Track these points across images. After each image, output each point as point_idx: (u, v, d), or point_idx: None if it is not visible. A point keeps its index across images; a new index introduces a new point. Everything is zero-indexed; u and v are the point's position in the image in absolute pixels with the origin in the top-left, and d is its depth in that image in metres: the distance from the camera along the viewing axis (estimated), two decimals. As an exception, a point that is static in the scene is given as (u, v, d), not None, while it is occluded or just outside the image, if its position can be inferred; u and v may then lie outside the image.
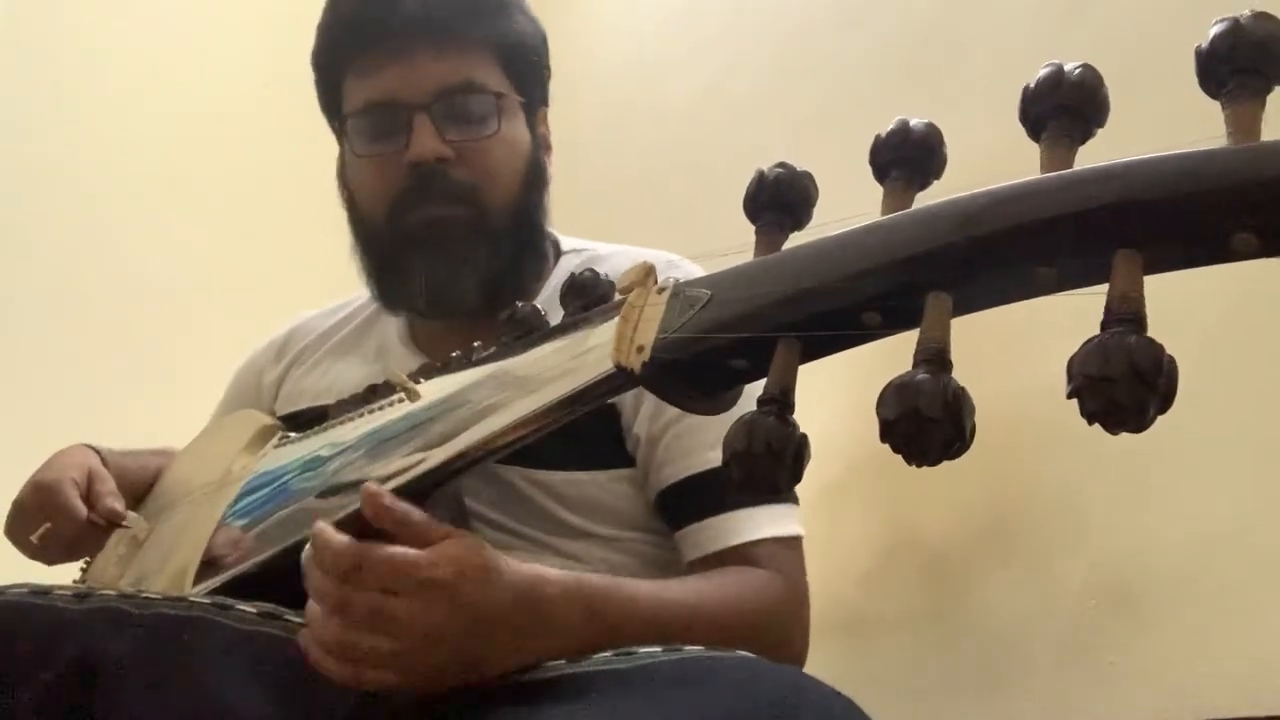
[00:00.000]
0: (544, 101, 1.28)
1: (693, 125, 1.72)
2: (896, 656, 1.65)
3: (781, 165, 0.72)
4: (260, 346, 1.38)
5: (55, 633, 0.80)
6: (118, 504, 1.10)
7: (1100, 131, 0.62)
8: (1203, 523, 1.51)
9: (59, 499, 1.10)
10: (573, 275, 0.84)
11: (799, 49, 1.95)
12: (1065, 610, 1.60)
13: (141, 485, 1.25)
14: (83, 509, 1.10)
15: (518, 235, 1.19)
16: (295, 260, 2.09)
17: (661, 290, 0.73)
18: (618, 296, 0.78)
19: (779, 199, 0.71)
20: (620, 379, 0.73)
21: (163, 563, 1.06)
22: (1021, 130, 1.66)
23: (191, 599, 0.84)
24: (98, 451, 1.22)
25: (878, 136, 0.67)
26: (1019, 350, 1.54)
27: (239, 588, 0.92)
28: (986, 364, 1.58)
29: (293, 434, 1.10)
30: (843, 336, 0.65)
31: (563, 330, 0.82)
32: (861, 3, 1.87)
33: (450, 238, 1.15)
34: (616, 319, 0.74)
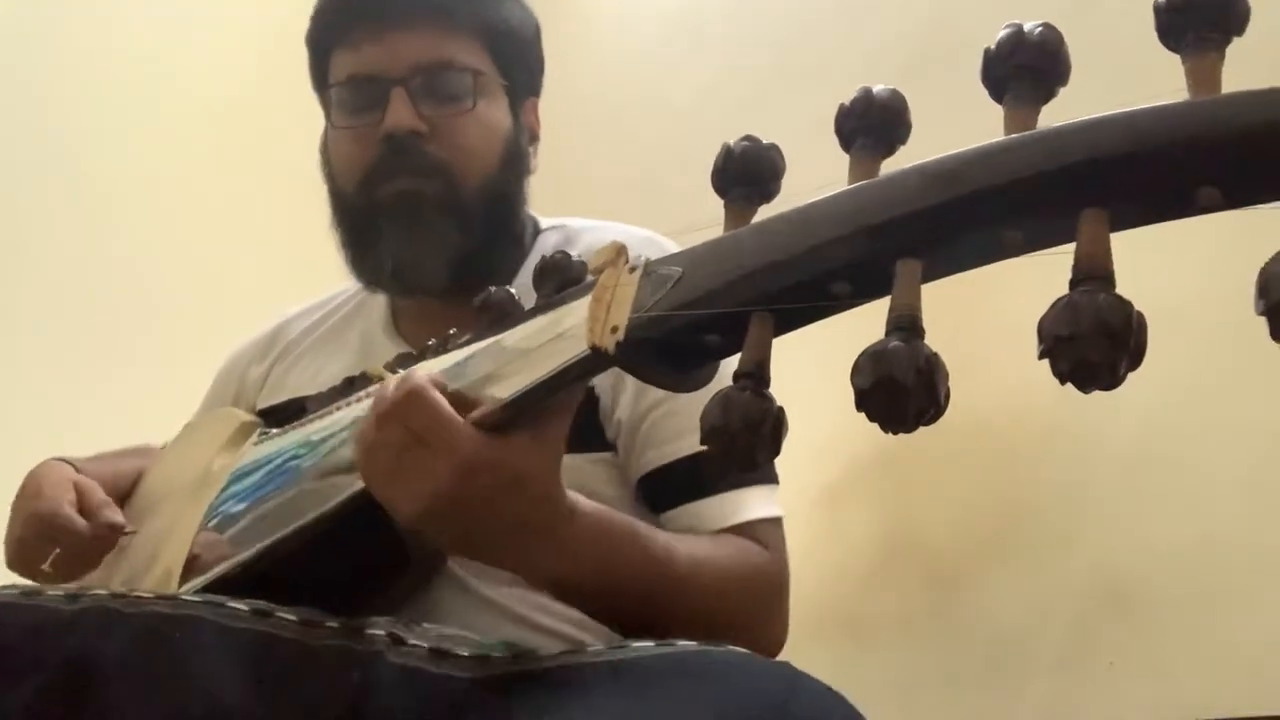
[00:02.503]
0: (534, 91, 1.29)
1: (693, 124, 1.73)
2: (896, 656, 1.64)
3: (747, 138, 0.71)
4: (245, 343, 1.38)
5: (46, 633, 0.79)
6: (115, 514, 1.10)
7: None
8: (1202, 523, 1.51)
9: (60, 523, 1.09)
10: (544, 258, 0.84)
11: (799, 49, 1.96)
12: (1065, 610, 1.59)
13: (121, 490, 1.24)
14: (84, 525, 1.09)
15: (490, 216, 1.19)
16: (293, 255, 2.08)
17: (633, 269, 0.73)
18: (590, 277, 0.78)
19: (746, 172, 0.71)
20: (595, 360, 0.72)
21: (148, 565, 1.05)
22: None
23: (183, 597, 0.83)
24: (72, 464, 1.20)
25: (842, 105, 0.66)
26: (1019, 351, 1.54)
27: (230, 584, 0.91)
28: (987, 365, 1.58)
29: (272, 430, 1.09)
30: (814, 308, 0.64)
31: (537, 313, 0.81)
32: (861, 3, 1.88)
33: (420, 212, 1.16)
34: (589, 300, 0.74)
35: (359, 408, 0.95)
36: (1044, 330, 0.54)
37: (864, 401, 0.58)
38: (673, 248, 1.20)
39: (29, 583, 0.87)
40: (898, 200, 0.60)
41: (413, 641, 0.82)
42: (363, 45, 1.19)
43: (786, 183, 1.98)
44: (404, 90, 1.16)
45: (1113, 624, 1.56)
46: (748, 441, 0.63)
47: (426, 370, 0.85)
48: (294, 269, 1.91)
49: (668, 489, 1.11)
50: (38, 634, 0.79)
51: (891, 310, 0.59)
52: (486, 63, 1.21)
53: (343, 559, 0.91)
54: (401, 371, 0.89)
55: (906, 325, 0.59)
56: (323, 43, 1.24)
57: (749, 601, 1.03)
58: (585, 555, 0.87)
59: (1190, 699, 1.44)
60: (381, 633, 0.82)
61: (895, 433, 0.59)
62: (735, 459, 0.64)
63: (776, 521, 1.11)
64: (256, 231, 2.27)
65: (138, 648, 0.78)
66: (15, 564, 1.15)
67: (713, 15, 2.18)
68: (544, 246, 1.24)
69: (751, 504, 1.08)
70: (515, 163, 1.23)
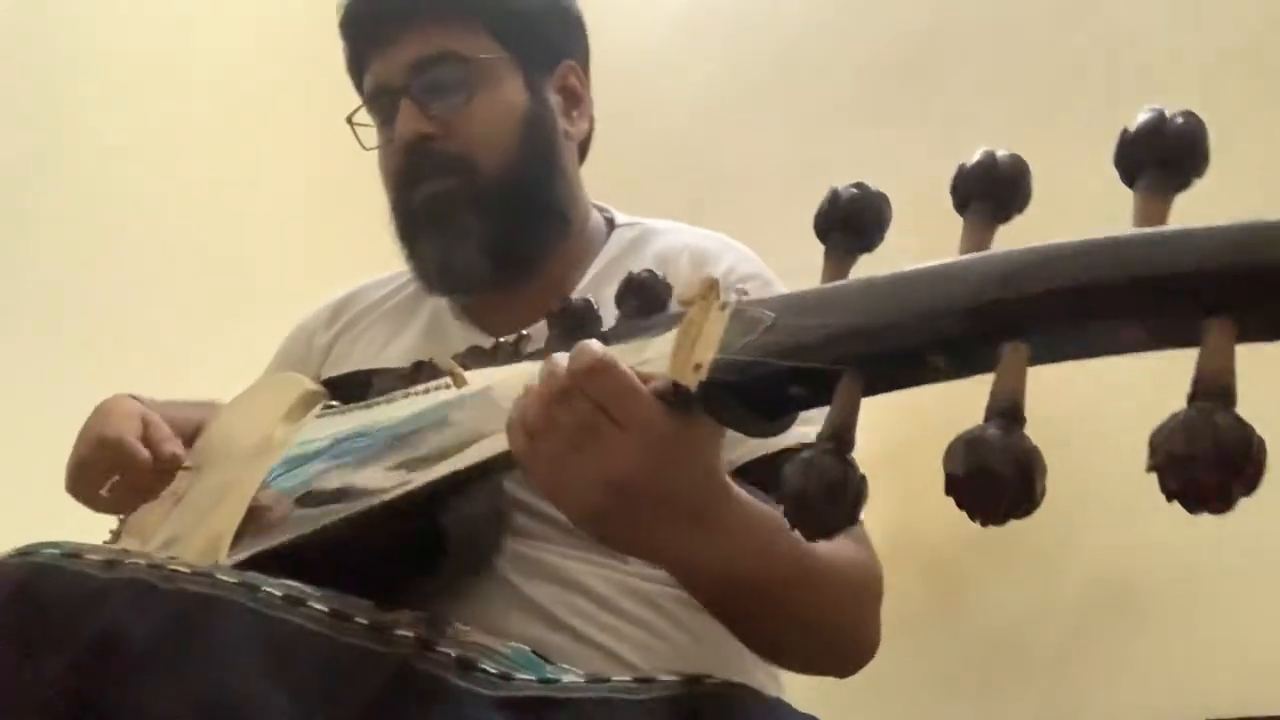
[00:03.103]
0: (564, 56, 1.27)
1: (693, 125, 1.73)
2: (896, 656, 1.63)
3: (856, 185, 0.69)
4: (314, 310, 1.38)
5: (82, 604, 0.79)
6: (177, 448, 1.11)
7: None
8: (1202, 523, 1.50)
9: (123, 450, 1.11)
10: (631, 274, 0.82)
11: (799, 49, 1.94)
12: (1065, 610, 1.60)
13: (183, 435, 1.24)
14: (146, 455, 1.10)
15: (518, 199, 1.18)
16: (310, 251, 2.09)
17: (723, 306, 0.71)
18: (675, 306, 0.76)
19: (851, 220, 0.69)
20: (675, 396, 0.71)
21: (198, 523, 1.06)
22: (1020, 130, 1.65)
23: (218, 576, 0.82)
24: (139, 400, 1.22)
25: (961, 166, 0.64)
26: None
27: (269, 560, 0.91)
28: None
29: (334, 404, 1.09)
30: (910, 376, 0.63)
31: (617, 336, 0.79)
32: (862, 3, 1.86)
33: (446, 212, 1.16)
34: (675, 331, 0.72)
35: (421, 401, 0.93)
36: (1157, 445, 0.52)
37: (955, 489, 0.57)
38: (749, 254, 1.20)
39: (72, 541, 0.87)
40: (1010, 282, 0.58)
41: (440, 648, 0.81)
42: (371, 62, 1.21)
43: (787, 175, 1.97)
44: (408, 97, 1.16)
45: (1113, 624, 1.57)
46: (825, 510, 0.62)
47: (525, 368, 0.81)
48: (307, 259, 1.91)
49: (761, 483, 1.08)
50: (73, 605, 0.79)
51: (993, 394, 0.58)
52: (488, 44, 1.19)
53: (384, 550, 0.90)
54: (473, 367, 0.88)
55: (1007, 412, 0.57)
56: (353, 69, 1.26)
57: (866, 599, 1.01)
58: (741, 543, 0.82)
59: (1190, 699, 1.45)
60: (410, 634, 0.81)
61: (984, 524, 0.58)
62: (811, 526, 0.63)
63: (861, 522, 1.09)
64: (268, 223, 2.27)
65: (167, 629, 0.78)
66: (74, 487, 1.18)
67: (714, 14, 2.14)
68: (618, 243, 1.24)
69: None
70: (538, 139, 1.21)
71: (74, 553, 0.83)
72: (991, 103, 1.56)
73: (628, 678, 0.82)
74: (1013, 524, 1.67)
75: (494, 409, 0.83)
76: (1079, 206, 1.50)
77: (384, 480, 0.87)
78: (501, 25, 1.20)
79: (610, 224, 1.28)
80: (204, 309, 2.14)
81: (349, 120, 1.24)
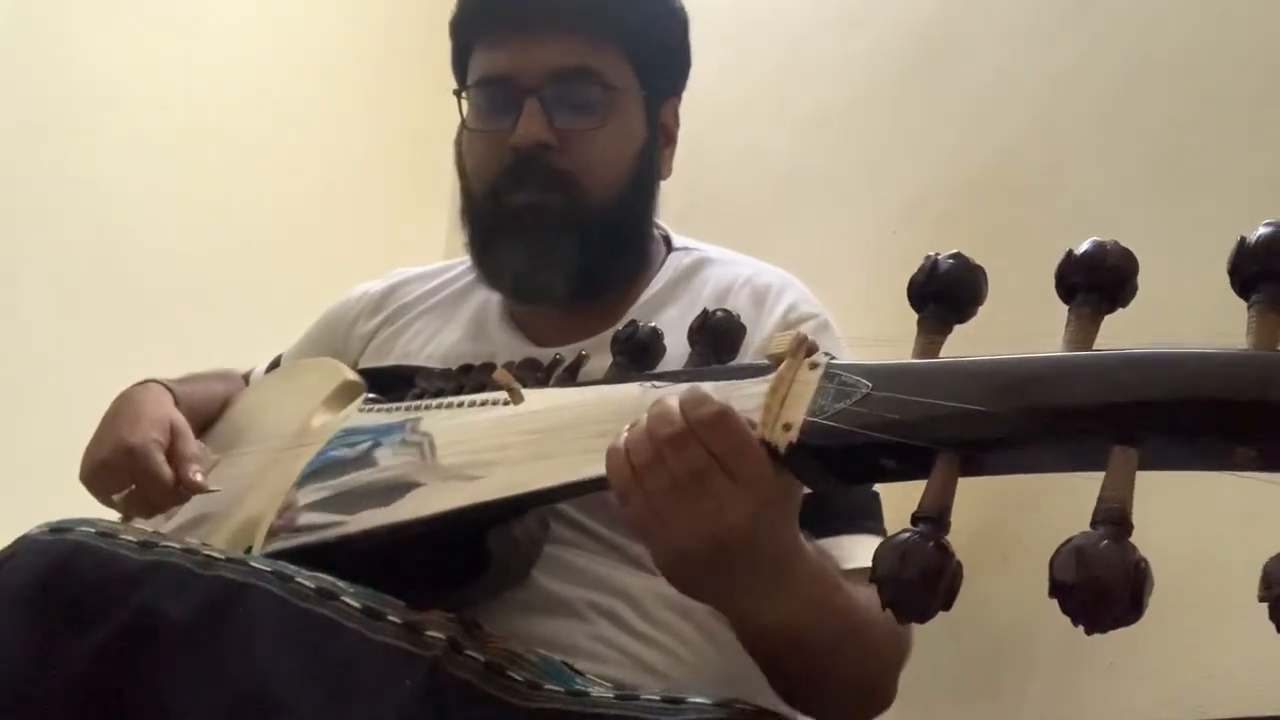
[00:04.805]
0: (675, 92, 1.25)
1: (692, 125, 1.70)
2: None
3: (954, 255, 0.68)
4: (355, 294, 1.35)
5: (117, 585, 0.78)
6: (199, 475, 1.08)
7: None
8: (1202, 525, 1.52)
9: (146, 464, 1.08)
10: (706, 313, 0.82)
11: (799, 49, 1.92)
12: (1067, 611, 1.61)
13: (210, 415, 1.24)
14: (169, 475, 1.08)
15: (614, 230, 1.16)
16: (318, 241, 2.08)
17: (813, 366, 0.70)
18: (761, 357, 0.75)
19: (948, 291, 0.68)
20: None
21: (232, 506, 1.05)
22: (1018, 134, 1.62)
23: (253, 563, 0.82)
24: (170, 390, 1.21)
25: (1070, 253, 0.63)
26: (1020, 342, 1.53)
27: (305, 553, 0.90)
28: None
29: (376, 397, 1.08)
30: (1015, 466, 0.63)
31: (698, 377, 0.78)
32: (862, 4, 1.83)
33: (542, 225, 1.14)
34: (763, 388, 0.71)
35: (473, 414, 0.92)
36: (1272, 577, 0.52)
37: (1063, 597, 0.57)
38: (809, 294, 1.19)
39: (105, 519, 0.86)
40: (1127, 388, 0.58)
41: (469, 652, 0.80)
42: (501, 48, 1.17)
43: (787, 172, 1.93)
44: (537, 100, 1.13)
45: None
46: (921, 595, 0.62)
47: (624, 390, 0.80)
48: (315, 249, 1.90)
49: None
50: (110, 585, 0.79)
51: (1101, 500, 0.58)
52: (626, 74, 1.18)
53: (423, 561, 0.90)
54: (526, 381, 0.87)
55: (1116, 519, 0.57)
56: (464, 35, 1.22)
57: (896, 657, 1.01)
58: (804, 597, 0.82)
59: (1190, 699, 1.46)
60: (441, 636, 0.80)
61: (1088, 632, 0.58)
62: (904, 611, 0.62)
63: None
64: (276, 231, 2.21)
65: (201, 615, 0.78)
66: (89, 483, 1.16)
67: (716, 11, 2.11)
68: (674, 267, 1.22)
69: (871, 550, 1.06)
70: (646, 176, 1.20)
71: (108, 532, 0.83)
72: (993, 103, 1.54)
73: (656, 696, 0.81)
74: (1013, 525, 1.66)
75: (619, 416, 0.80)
76: (1091, 198, 1.49)
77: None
78: (641, 56, 1.18)
79: (667, 244, 1.27)
80: (212, 297, 2.14)
81: (457, 94, 1.21)
